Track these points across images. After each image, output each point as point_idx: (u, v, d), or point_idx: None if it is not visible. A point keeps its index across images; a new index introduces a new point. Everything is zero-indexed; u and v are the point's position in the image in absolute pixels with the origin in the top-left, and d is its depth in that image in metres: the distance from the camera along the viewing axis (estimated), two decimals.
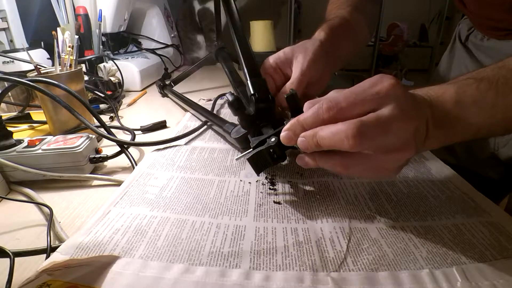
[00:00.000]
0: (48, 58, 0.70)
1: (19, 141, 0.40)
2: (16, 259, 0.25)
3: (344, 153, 0.26)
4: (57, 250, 0.25)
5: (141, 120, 0.59)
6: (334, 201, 0.33)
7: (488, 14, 0.48)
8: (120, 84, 0.74)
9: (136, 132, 0.53)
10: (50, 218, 0.31)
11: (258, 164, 0.33)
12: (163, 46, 1.03)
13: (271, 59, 0.43)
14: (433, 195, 0.34)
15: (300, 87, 0.39)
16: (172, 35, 1.11)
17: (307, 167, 0.30)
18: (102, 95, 0.66)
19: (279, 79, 0.43)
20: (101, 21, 0.76)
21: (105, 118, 0.61)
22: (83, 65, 0.63)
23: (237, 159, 0.36)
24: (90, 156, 0.41)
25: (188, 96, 0.65)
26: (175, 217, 0.30)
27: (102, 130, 0.46)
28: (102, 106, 0.66)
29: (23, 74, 0.51)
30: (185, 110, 0.64)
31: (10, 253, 0.25)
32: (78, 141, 0.40)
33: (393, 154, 0.25)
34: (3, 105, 0.63)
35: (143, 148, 0.48)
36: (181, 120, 0.58)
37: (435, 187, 0.35)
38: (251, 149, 0.33)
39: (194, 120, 0.57)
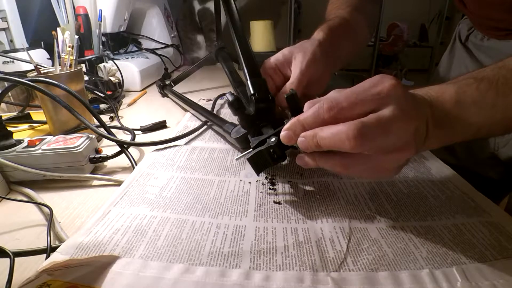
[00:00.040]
0: (48, 58, 0.70)
1: (19, 141, 0.40)
2: (16, 259, 0.25)
3: (344, 153, 0.26)
4: (57, 250, 0.25)
5: (141, 120, 0.59)
6: (334, 201, 0.33)
7: (488, 14, 0.48)
8: (120, 84, 0.74)
9: (136, 132, 0.53)
10: (50, 218, 0.31)
11: (258, 164, 0.33)
12: (163, 46, 1.03)
13: (271, 60, 0.43)
14: (433, 195, 0.34)
15: (299, 87, 0.39)
16: (172, 35, 1.11)
17: (307, 167, 0.30)
18: (102, 95, 0.66)
19: (278, 80, 0.43)
20: (101, 21, 0.76)
21: (105, 118, 0.61)
22: (83, 65, 0.63)
23: (237, 159, 0.36)
24: (90, 156, 0.41)
25: (188, 96, 0.65)
26: (175, 217, 0.30)
27: (102, 130, 0.46)
28: (102, 106, 0.66)
29: (23, 74, 0.51)
30: (185, 110, 0.64)
31: (10, 253, 0.25)
32: (78, 141, 0.40)
33: (393, 154, 0.25)
34: (3, 105, 0.63)
35: (143, 148, 0.48)
36: (181, 120, 0.58)
37: (435, 187, 0.35)
38: (251, 149, 0.33)
39: (194, 120, 0.57)
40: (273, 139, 0.32)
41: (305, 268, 0.25)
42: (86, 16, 0.75)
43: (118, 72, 0.73)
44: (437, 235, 0.28)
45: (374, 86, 0.26)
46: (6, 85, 0.46)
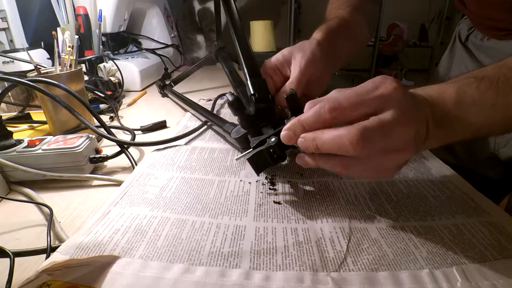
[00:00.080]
0: (48, 58, 0.70)
1: (19, 141, 0.40)
2: (16, 259, 0.25)
3: None
4: (57, 250, 0.25)
5: (141, 120, 0.59)
6: (334, 201, 0.33)
7: (488, 14, 0.48)
8: (120, 84, 0.74)
9: (136, 132, 0.53)
10: (50, 218, 0.31)
11: (258, 164, 0.33)
12: (163, 46, 1.03)
13: (271, 60, 0.43)
14: (433, 195, 0.34)
15: (299, 86, 0.39)
16: (172, 35, 1.11)
17: (307, 167, 0.30)
18: (102, 95, 0.66)
19: (278, 80, 0.43)
20: (101, 21, 0.76)
21: (105, 118, 0.61)
22: (83, 65, 0.63)
23: (237, 159, 0.36)
24: (90, 156, 0.41)
25: (188, 96, 0.65)
26: (175, 217, 0.30)
27: (102, 130, 0.46)
28: (102, 106, 0.66)
29: (23, 74, 0.51)
30: (185, 110, 0.64)
31: (10, 253, 0.25)
32: (78, 141, 0.40)
33: (393, 155, 0.26)
34: (3, 105, 0.63)
35: (143, 148, 0.48)
36: (181, 120, 0.58)
37: (435, 187, 0.35)
38: (251, 149, 0.33)
39: (194, 120, 0.57)
40: (273, 139, 0.32)
41: (305, 268, 0.25)
42: (86, 16, 0.75)
43: (118, 72, 0.73)
44: (437, 235, 0.28)
45: (375, 88, 0.25)
46: (6, 85, 0.46)
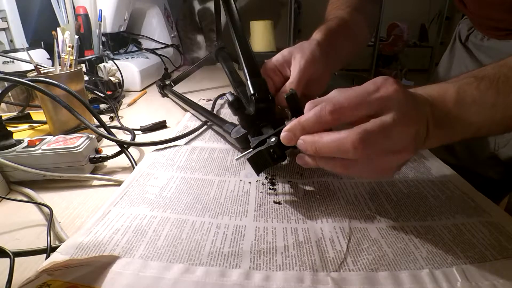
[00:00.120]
0: (48, 58, 0.70)
1: (19, 141, 0.40)
2: (16, 259, 0.25)
3: None
4: (57, 250, 0.25)
5: (141, 120, 0.59)
6: (334, 201, 0.33)
7: (488, 14, 0.48)
8: (120, 84, 0.74)
9: (136, 132, 0.53)
10: (50, 218, 0.31)
11: (258, 164, 0.33)
12: (163, 46, 1.03)
13: (270, 61, 0.43)
14: (433, 195, 0.34)
15: (299, 86, 0.39)
16: (172, 35, 1.11)
17: (307, 167, 0.30)
18: (102, 95, 0.66)
19: (278, 80, 0.43)
20: (101, 21, 0.76)
21: (105, 118, 0.61)
22: (83, 65, 0.63)
23: (237, 159, 0.36)
24: (90, 156, 0.41)
25: (188, 96, 0.65)
26: (175, 217, 0.30)
27: (102, 130, 0.46)
28: (102, 106, 0.66)
29: (23, 74, 0.51)
30: (185, 110, 0.64)
31: (10, 253, 0.25)
32: (78, 141, 0.40)
33: (393, 156, 0.26)
34: (3, 105, 0.63)
35: (143, 148, 0.48)
36: (181, 120, 0.58)
37: (435, 187, 0.35)
38: (251, 149, 0.33)
39: (194, 120, 0.57)
40: (273, 139, 0.32)
41: (305, 268, 0.25)
42: (86, 16, 0.75)
43: (118, 72, 0.73)
44: (437, 235, 0.28)
45: (376, 89, 0.25)
46: (6, 85, 0.46)
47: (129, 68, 0.80)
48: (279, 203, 0.33)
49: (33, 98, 0.65)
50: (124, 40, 0.98)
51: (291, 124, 0.28)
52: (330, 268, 0.25)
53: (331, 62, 0.44)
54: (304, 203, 0.33)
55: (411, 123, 0.25)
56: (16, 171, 0.37)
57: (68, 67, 0.51)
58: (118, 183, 0.37)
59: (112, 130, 0.50)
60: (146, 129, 0.55)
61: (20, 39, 0.71)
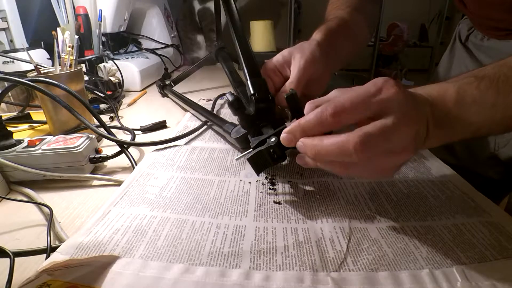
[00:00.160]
0: (48, 58, 0.70)
1: (19, 141, 0.40)
2: (16, 259, 0.25)
3: None
4: (57, 250, 0.25)
5: (141, 120, 0.59)
6: (334, 201, 0.33)
7: (488, 14, 0.48)
8: (120, 84, 0.74)
9: (136, 132, 0.53)
10: (50, 218, 0.31)
11: (258, 164, 0.33)
12: (163, 46, 1.03)
13: (270, 62, 0.43)
14: (433, 195, 0.34)
15: (299, 86, 0.39)
16: (172, 35, 1.11)
17: (307, 167, 0.30)
18: (102, 95, 0.66)
19: (278, 81, 0.43)
20: (101, 21, 0.76)
21: (105, 118, 0.61)
22: (83, 65, 0.63)
23: (237, 159, 0.36)
24: (90, 156, 0.41)
25: (188, 96, 0.65)
26: (175, 217, 0.30)
27: (102, 130, 0.46)
28: (102, 106, 0.66)
29: (23, 74, 0.51)
30: (185, 110, 0.64)
31: (10, 253, 0.25)
32: (78, 141, 0.40)
33: (393, 156, 0.26)
34: (3, 105, 0.63)
35: (143, 148, 0.48)
36: (181, 120, 0.58)
37: (435, 187, 0.35)
38: (251, 149, 0.33)
39: (194, 120, 0.57)
40: (273, 139, 0.32)
41: (305, 268, 0.25)
42: (86, 16, 0.75)
43: (118, 72, 0.73)
44: (437, 235, 0.28)
45: (377, 91, 0.25)
46: (6, 85, 0.46)
47: (129, 68, 0.80)
48: (279, 203, 0.33)
49: (33, 98, 0.65)
50: (124, 40, 0.98)
51: (291, 126, 0.28)
52: (330, 268, 0.25)
53: (331, 62, 0.44)
54: (304, 203, 0.33)
55: (411, 123, 0.25)
56: (16, 171, 0.37)
57: (68, 67, 0.51)
58: (118, 183, 0.37)
59: (112, 130, 0.50)
60: (146, 129, 0.55)
61: (20, 39, 0.71)
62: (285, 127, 0.29)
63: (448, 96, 0.27)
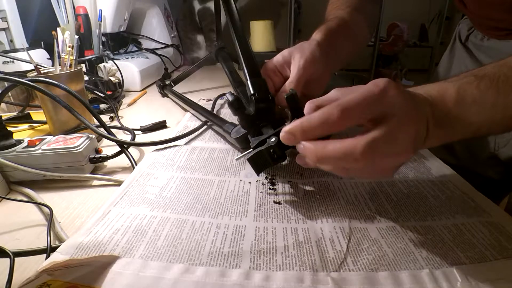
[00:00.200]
0: (48, 58, 0.70)
1: (19, 141, 0.40)
2: (16, 259, 0.25)
3: None
4: (57, 250, 0.25)
5: (141, 120, 0.59)
6: (334, 201, 0.33)
7: (488, 14, 0.48)
8: (120, 84, 0.74)
9: (136, 132, 0.53)
10: (50, 218, 0.31)
11: (258, 164, 0.33)
12: (163, 46, 1.03)
13: (270, 62, 0.43)
14: (433, 195, 0.34)
15: (298, 86, 0.39)
16: (172, 35, 1.11)
17: (307, 167, 0.30)
18: (102, 95, 0.66)
19: (278, 81, 0.43)
20: (101, 21, 0.76)
21: (105, 118, 0.61)
22: (83, 65, 0.63)
23: (237, 159, 0.36)
24: (90, 156, 0.41)
25: (188, 96, 0.65)
26: (175, 217, 0.30)
27: (102, 130, 0.46)
28: (102, 106, 0.66)
29: (23, 74, 0.51)
30: (185, 110, 0.64)
31: (10, 253, 0.25)
32: (78, 141, 0.40)
33: (393, 157, 0.25)
34: (3, 105, 0.63)
35: (143, 148, 0.48)
36: (181, 120, 0.58)
37: (435, 187, 0.35)
38: (251, 149, 0.33)
39: (194, 120, 0.57)
40: (273, 139, 0.32)
41: (305, 268, 0.25)
42: (86, 16, 0.75)
43: (118, 72, 0.73)
44: (437, 235, 0.28)
45: (381, 93, 0.25)
46: (6, 85, 0.46)
47: (129, 68, 0.80)
48: (279, 203, 0.33)
49: (33, 98, 0.65)
50: (124, 40, 0.98)
51: (292, 126, 0.27)
52: (330, 268, 0.25)
53: (331, 62, 0.44)
54: (304, 203, 0.33)
55: (411, 123, 0.25)
56: (16, 171, 0.37)
57: (68, 67, 0.51)
58: (118, 183, 0.37)
59: (112, 130, 0.50)
60: (146, 129, 0.55)
61: (20, 39, 0.71)
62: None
63: (448, 96, 0.27)
